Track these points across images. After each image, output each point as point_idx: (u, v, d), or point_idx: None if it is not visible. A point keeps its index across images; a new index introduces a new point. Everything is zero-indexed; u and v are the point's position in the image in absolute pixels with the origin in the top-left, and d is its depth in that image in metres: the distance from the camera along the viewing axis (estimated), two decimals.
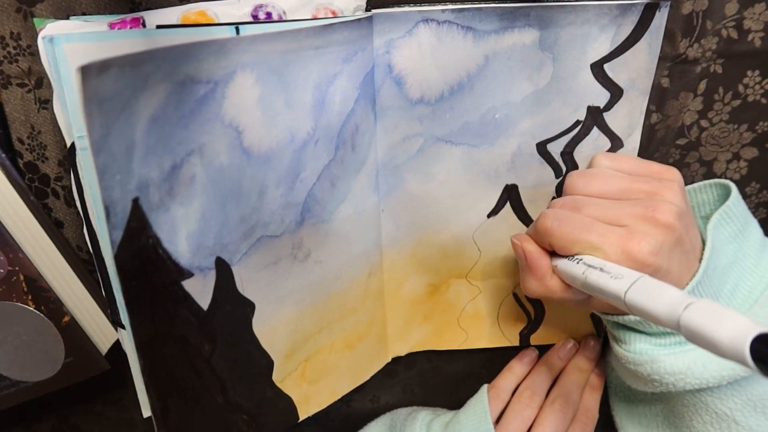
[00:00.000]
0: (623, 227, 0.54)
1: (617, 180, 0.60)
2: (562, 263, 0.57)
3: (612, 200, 0.58)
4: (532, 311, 0.75)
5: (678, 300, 0.43)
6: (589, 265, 0.53)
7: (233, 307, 0.54)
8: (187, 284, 0.50)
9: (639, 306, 0.47)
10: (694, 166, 0.68)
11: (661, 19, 0.58)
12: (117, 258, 0.44)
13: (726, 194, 0.63)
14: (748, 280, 0.59)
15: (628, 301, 0.48)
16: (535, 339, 0.77)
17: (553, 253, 0.59)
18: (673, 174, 0.59)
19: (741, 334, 0.38)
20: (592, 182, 0.60)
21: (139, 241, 0.45)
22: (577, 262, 0.55)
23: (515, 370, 0.77)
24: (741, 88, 0.64)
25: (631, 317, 0.58)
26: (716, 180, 0.64)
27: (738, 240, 0.60)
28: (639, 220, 0.55)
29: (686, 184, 0.68)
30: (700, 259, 0.57)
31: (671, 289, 0.45)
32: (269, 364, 0.60)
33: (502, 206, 0.67)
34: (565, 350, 0.76)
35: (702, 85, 0.64)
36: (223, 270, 0.52)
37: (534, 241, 0.60)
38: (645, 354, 0.60)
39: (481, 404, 0.72)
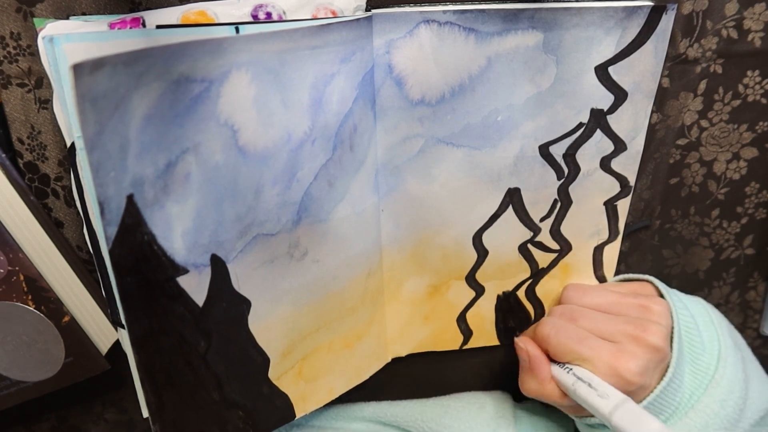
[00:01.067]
0: (614, 343, 0.60)
1: (608, 294, 0.66)
2: (555, 370, 0.64)
3: (605, 314, 0.63)
4: (533, 313, 0.75)
5: None
6: (579, 378, 0.60)
7: (228, 304, 0.54)
8: (182, 281, 0.50)
9: (623, 429, 0.55)
10: (694, 167, 0.68)
11: (667, 22, 0.58)
12: (112, 253, 0.44)
13: None
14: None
15: (614, 423, 0.55)
16: None
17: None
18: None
19: None
20: (586, 294, 0.66)
21: (134, 237, 0.45)
22: (568, 371, 0.62)
23: None
24: (741, 88, 0.64)
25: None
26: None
27: (693, 364, 0.64)
28: (629, 338, 0.59)
29: (687, 184, 0.69)
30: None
31: (653, 421, 0.53)
32: (265, 361, 0.60)
33: (505, 209, 0.67)
34: None
35: (702, 85, 0.64)
36: (219, 267, 0.52)
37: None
38: None
39: None
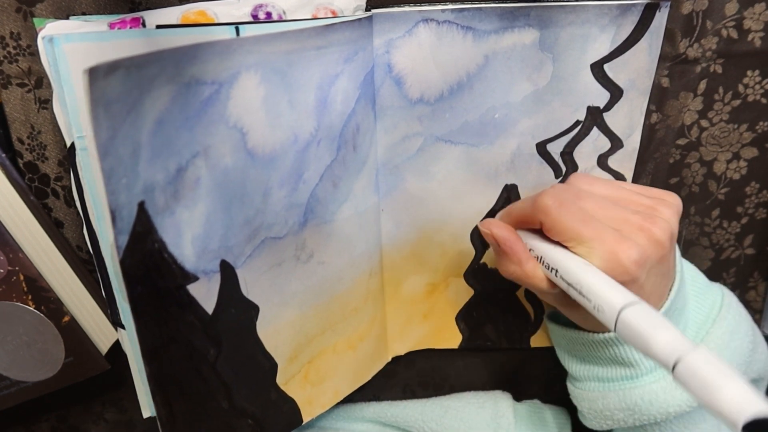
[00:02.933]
0: (617, 230, 0.54)
1: (620, 189, 0.60)
2: (548, 250, 0.56)
3: (612, 202, 0.57)
4: (532, 312, 0.75)
5: (679, 344, 0.43)
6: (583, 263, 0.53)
7: (238, 310, 0.54)
8: (192, 288, 0.49)
9: (634, 329, 0.46)
10: (694, 167, 0.69)
11: (661, 19, 0.58)
12: (123, 263, 0.44)
13: None
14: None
15: (623, 319, 0.47)
16: (535, 340, 0.77)
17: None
18: (674, 198, 0.59)
19: (739, 407, 0.38)
20: (596, 184, 0.60)
21: (145, 245, 0.45)
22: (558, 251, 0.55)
23: None
24: (741, 88, 0.65)
25: (597, 336, 0.59)
26: None
27: (697, 298, 0.62)
28: (634, 228, 0.55)
29: (687, 184, 0.69)
30: (669, 291, 0.58)
31: (673, 328, 0.45)
32: (273, 366, 0.60)
33: (502, 206, 0.67)
34: None
35: (702, 85, 0.64)
36: (228, 273, 0.52)
37: (514, 218, 0.61)
38: (596, 390, 0.62)
39: None
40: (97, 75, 0.38)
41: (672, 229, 0.56)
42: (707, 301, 0.62)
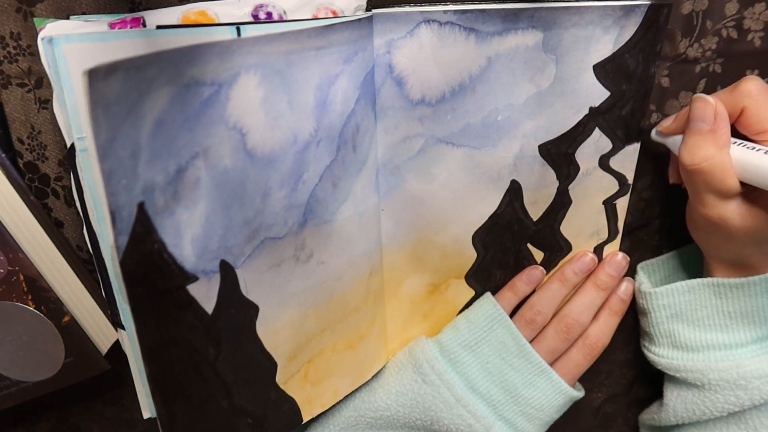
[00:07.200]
0: None
1: None
2: (740, 151, 0.54)
3: None
4: None
5: None
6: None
7: (237, 310, 0.54)
8: (192, 288, 0.50)
9: None
10: None
11: (663, 20, 0.58)
12: (123, 264, 0.44)
13: None
14: None
15: None
16: None
17: None
18: None
19: None
20: None
21: (145, 246, 0.45)
22: (752, 149, 0.53)
23: (517, 288, 0.71)
24: None
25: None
26: None
27: None
28: None
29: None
30: None
31: None
32: (273, 366, 0.60)
33: (504, 208, 0.67)
34: (582, 263, 0.70)
35: (702, 85, 0.64)
36: (228, 273, 0.52)
37: None
38: (728, 360, 0.60)
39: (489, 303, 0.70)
40: (96, 76, 0.38)
41: None
42: None
